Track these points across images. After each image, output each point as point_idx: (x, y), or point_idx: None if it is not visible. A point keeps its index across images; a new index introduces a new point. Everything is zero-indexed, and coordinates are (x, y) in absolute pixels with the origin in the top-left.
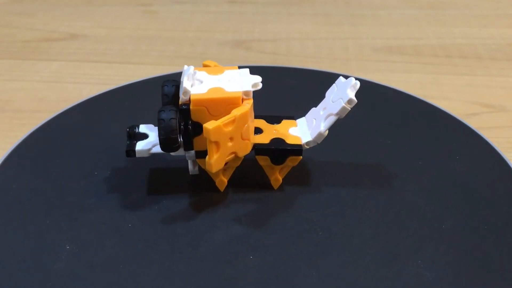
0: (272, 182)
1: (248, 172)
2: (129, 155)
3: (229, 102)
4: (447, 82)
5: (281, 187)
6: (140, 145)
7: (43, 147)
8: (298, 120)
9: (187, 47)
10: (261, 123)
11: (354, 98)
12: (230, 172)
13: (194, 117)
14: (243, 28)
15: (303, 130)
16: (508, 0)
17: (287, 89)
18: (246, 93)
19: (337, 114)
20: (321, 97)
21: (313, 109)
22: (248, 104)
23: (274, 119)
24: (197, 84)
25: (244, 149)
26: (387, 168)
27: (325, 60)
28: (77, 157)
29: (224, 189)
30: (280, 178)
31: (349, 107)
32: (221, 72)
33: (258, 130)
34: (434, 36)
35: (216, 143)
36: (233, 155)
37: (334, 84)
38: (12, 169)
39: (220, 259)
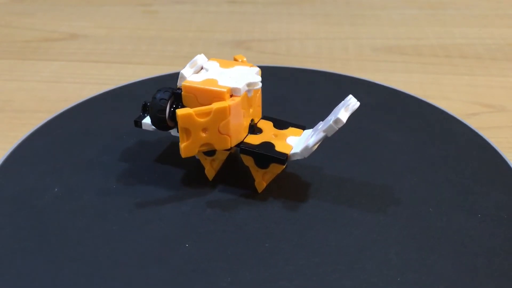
0: (256, 185)
1: (246, 171)
2: (136, 125)
3: (214, 95)
4: (447, 82)
5: (267, 191)
6: (148, 119)
7: (43, 147)
8: (306, 131)
9: (187, 47)
10: (267, 124)
11: (342, 119)
12: (218, 164)
13: (185, 102)
14: (243, 28)
15: (300, 141)
16: (508, 0)
17: (287, 90)
18: (234, 89)
19: (324, 131)
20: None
21: (320, 122)
22: (233, 101)
23: (282, 124)
24: (203, 73)
25: (222, 144)
26: (384, 183)
27: (325, 60)
28: (78, 157)
29: (214, 180)
30: (264, 183)
31: (336, 127)
32: (231, 66)
33: (258, 130)
34: (434, 36)
35: (187, 130)
36: (207, 147)
37: (343, 101)
38: (12, 169)
39: (159, 238)
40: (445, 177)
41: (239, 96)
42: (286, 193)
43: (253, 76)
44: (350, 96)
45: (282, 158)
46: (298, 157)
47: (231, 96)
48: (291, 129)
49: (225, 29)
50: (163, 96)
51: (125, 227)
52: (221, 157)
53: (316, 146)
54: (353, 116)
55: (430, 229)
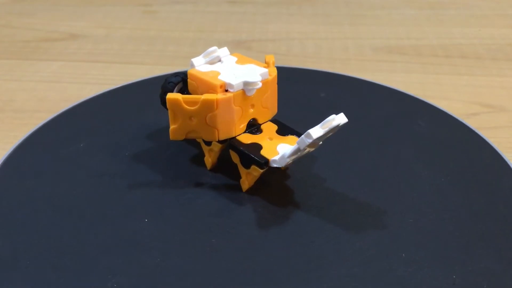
0: (241, 183)
1: None
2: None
3: (209, 86)
4: (447, 82)
5: (255, 193)
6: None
7: (43, 147)
8: None
9: (187, 47)
10: (271, 128)
11: (312, 134)
12: (214, 155)
13: (189, 89)
14: (243, 28)
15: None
16: (508, 0)
17: (287, 90)
18: (228, 85)
19: (298, 143)
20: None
21: None
22: (223, 96)
23: (285, 131)
24: (217, 64)
25: (210, 135)
26: (378, 191)
27: (325, 60)
28: (78, 157)
29: (213, 169)
30: (247, 182)
31: (306, 141)
32: (245, 63)
33: (258, 131)
34: (434, 36)
35: (175, 115)
36: (195, 134)
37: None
38: (12, 170)
39: (127, 208)
40: (443, 191)
41: (232, 93)
42: (270, 199)
43: (255, 76)
44: (341, 114)
45: (261, 161)
46: (277, 165)
47: (226, 91)
48: (291, 137)
49: (225, 29)
50: (172, 79)
51: (109, 191)
52: (215, 148)
53: (293, 157)
54: (352, 117)
55: (385, 277)
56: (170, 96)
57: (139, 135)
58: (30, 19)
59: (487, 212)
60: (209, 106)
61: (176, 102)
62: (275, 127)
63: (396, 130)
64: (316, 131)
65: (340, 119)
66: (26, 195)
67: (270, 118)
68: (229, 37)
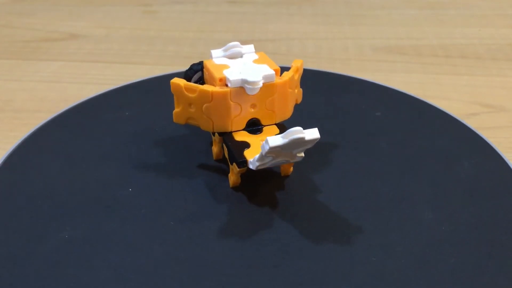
0: (229, 177)
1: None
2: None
3: (212, 78)
4: (447, 82)
5: (245, 191)
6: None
7: (43, 147)
8: None
9: (187, 47)
10: (272, 130)
11: (270, 142)
12: (216, 146)
13: (204, 77)
14: (243, 28)
15: None
16: (508, 0)
17: None
18: (228, 80)
19: (261, 148)
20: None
21: None
22: (219, 89)
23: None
24: (237, 60)
25: (206, 125)
26: (363, 220)
27: (325, 60)
28: (78, 158)
29: (217, 160)
30: (232, 178)
31: (266, 147)
32: (261, 63)
33: (259, 131)
34: (434, 36)
35: (177, 98)
36: (193, 121)
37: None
38: (12, 170)
39: (118, 179)
40: (440, 202)
41: (229, 88)
42: (251, 201)
43: (257, 76)
44: (314, 129)
45: (239, 160)
46: (251, 166)
47: (226, 85)
48: None
49: (225, 29)
50: (194, 67)
51: (107, 171)
52: (216, 139)
53: (263, 162)
54: (352, 116)
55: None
56: (174, 80)
57: (140, 134)
58: (30, 19)
59: (469, 272)
60: (205, 97)
61: (177, 87)
62: (276, 131)
63: (395, 130)
64: (275, 140)
65: (309, 134)
66: (26, 195)
67: (277, 122)
68: (229, 37)
